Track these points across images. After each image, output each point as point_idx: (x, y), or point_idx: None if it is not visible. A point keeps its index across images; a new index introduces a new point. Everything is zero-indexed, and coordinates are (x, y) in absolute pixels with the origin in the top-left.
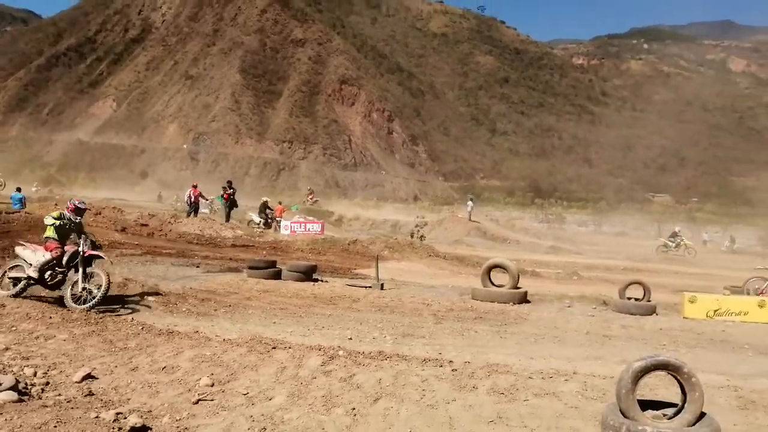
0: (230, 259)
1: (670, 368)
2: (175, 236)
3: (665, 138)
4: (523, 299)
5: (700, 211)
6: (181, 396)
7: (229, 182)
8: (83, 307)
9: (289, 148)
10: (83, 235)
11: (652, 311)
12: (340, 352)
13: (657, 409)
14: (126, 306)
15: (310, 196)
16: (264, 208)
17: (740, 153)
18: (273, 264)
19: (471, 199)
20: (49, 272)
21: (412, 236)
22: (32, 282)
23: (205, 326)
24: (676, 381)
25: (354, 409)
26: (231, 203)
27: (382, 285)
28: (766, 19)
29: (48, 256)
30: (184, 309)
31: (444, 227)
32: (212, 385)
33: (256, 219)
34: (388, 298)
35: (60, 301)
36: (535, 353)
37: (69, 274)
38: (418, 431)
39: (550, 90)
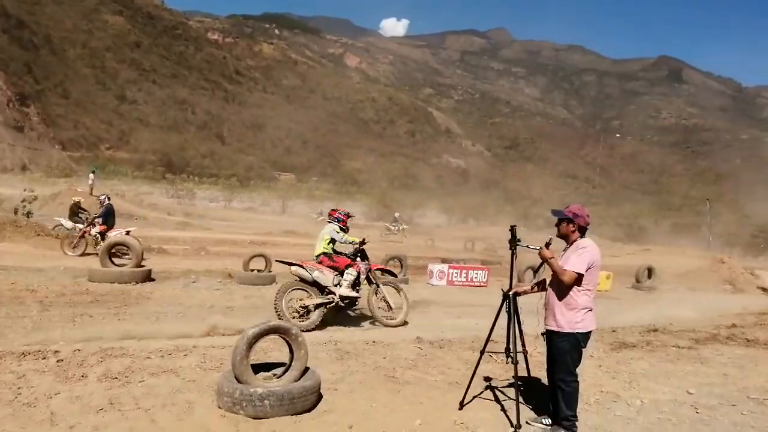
0: None
1: (281, 331)
2: None
3: (292, 121)
4: (147, 277)
5: (318, 189)
6: None
7: None
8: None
9: None
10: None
11: (272, 281)
12: None
13: (269, 371)
14: None
15: None
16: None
17: (351, 139)
18: None
19: (93, 172)
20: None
21: (15, 212)
22: (341, 304)
23: None
24: (286, 342)
25: None
26: None
27: None
28: (374, 22)
29: (354, 273)
30: None
31: (59, 202)
32: None
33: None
34: None
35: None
36: (156, 332)
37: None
38: None
39: (185, 62)
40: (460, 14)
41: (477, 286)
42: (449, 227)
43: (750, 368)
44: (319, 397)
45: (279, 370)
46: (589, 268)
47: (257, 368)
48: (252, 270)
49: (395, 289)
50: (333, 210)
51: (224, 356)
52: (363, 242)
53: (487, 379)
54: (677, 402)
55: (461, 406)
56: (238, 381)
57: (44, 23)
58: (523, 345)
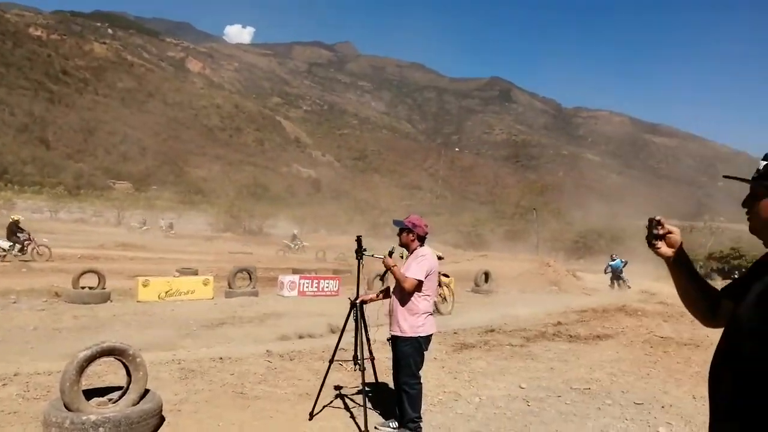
0: None
1: (116, 353)
2: None
3: (128, 126)
4: None
5: (159, 199)
6: None
7: None
8: None
9: None
10: None
11: (106, 299)
12: None
13: (105, 395)
14: None
15: None
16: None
17: (195, 147)
18: None
19: None
20: None
21: None
22: None
23: None
24: (122, 364)
25: None
26: None
27: None
28: (218, 28)
29: None
30: None
31: None
32: None
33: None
34: None
35: None
36: None
37: None
38: None
39: (2, 59)
40: (307, 25)
41: (329, 295)
42: (301, 237)
43: (573, 361)
44: (162, 420)
45: (116, 395)
46: (428, 275)
47: (90, 394)
48: (83, 287)
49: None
50: None
51: (50, 383)
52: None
53: (338, 387)
54: (511, 396)
55: (311, 416)
56: (68, 409)
57: None
58: (370, 352)
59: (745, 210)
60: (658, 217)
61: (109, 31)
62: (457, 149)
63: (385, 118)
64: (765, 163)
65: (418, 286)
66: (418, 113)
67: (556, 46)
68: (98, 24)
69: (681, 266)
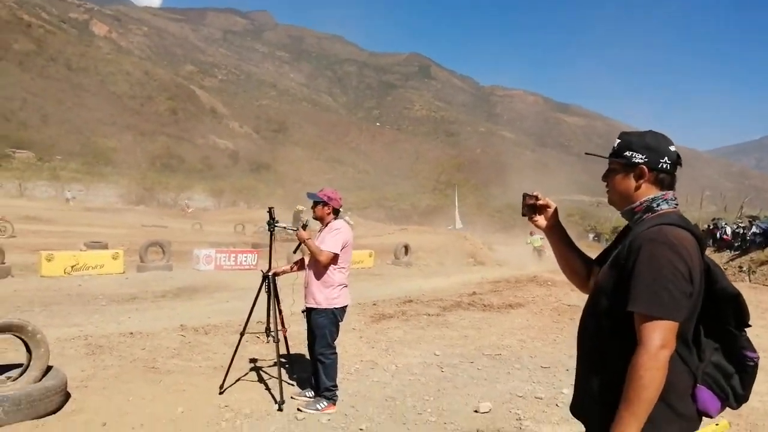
0: None
1: (13, 329)
2: None
3: (27, 92)
4: None
5: (64, 170)
6: None
7: None
8: None
9: None
10: None
11: (6, 274)
12: None
13: (3, 374)
14: None
15: None
16: None
17: (104, 115)
18: None
19: None
20: None
21: None
22: None
23: None
24: (22, 341)
25: None
26: None
27: None
28: None
29: None
30: None
31: None
32: None
33: None
34: None
35: None
36: None
37: None
38: None
39: None
40: None
41: (247, 269)
42: (218, 211)
43: (485, 329)
44: (67, 396)
45: (15, 372)
46: (343, 248)
47: None
48: None
49: None
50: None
51: None
52: None
53: (253, 360)
54: (426, 364)
55: (221, 389)
56: None
57: None
58: (282, 324)
59: (605, 184)
60: (534, 192)
61: None
62: (378, 124)
63: (305, 90)
64: (619, 141)
65: (334, 258)
66: (339, 86)
67: (474, 25)
68: None
69: (557, 237)
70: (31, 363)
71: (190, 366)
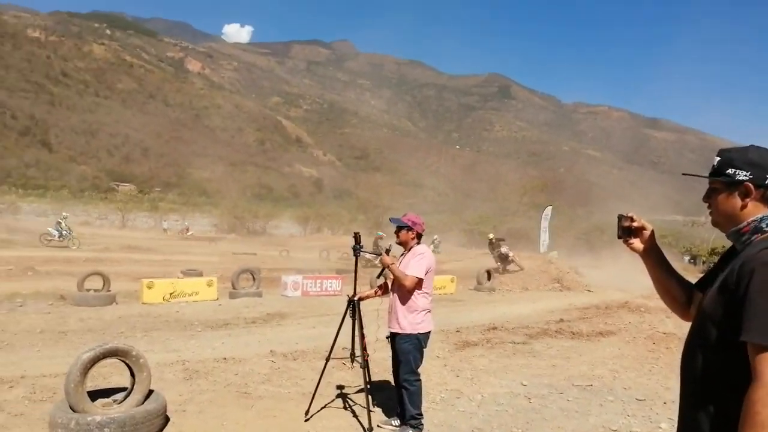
0: None
1: (119, 354)
2: None
3: (129, 128)
4: None
5: (162, 201)
6: None
7: None
8: None
9: None
10: None
11: (111, 301)
12: None
13: (110, 396)
14: None
15: None
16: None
17: (198, 147)
18: None
19: None
20: None
21: None
22: None
23: None
24: (126, 366)
25: None
26: None
27: None
28: (217, 28)
29: None
30: None
31: None
32: None
33: None
34: None
35: None
36: None
37: None
38: None
39: (2, 61)
40: (305, 24)
41: (332, 295)
42: (303, 237)
43: (575, 358)
44: (166, 420)
45: (120, 396)
46: (426, 272)
47: (95, 395)
48: (88, 290)
49: None
50: None
51: (56, 385)
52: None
53: (340, 387)
54: (513, 394)
55: (307, 416)
56: (74, 410)
57: None
58: (365, 348)
59: (707, 205)
60: (629, 213)
61: (107, 31)
62: (457, 146)
63: (385, 116)
64: (719, 159)
65: (418, 283)
66: (418, 111)
67: (553, 42)
68: (96, 24)
69: (654, 260)
70: (134, 387)
71: (280, 392)
